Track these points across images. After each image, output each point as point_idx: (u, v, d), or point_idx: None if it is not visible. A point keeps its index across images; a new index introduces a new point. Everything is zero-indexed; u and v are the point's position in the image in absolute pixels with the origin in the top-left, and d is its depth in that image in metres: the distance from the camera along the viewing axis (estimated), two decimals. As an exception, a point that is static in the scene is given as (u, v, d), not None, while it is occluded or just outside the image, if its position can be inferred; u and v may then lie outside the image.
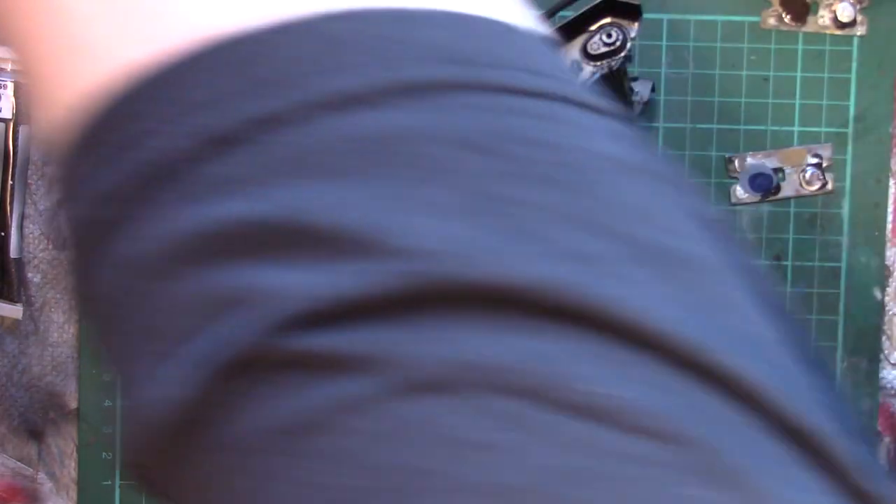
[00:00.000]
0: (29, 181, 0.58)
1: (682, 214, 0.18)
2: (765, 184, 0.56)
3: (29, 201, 0.58)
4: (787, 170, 0.57)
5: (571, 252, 0.16)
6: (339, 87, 0.17)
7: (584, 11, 0.47)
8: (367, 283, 0.16)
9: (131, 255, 0.17)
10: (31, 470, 0.59)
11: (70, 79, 0.18)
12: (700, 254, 0.18)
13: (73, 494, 0.59)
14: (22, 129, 0.57)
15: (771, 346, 0.17)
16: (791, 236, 0.57)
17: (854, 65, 0.57)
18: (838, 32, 0.57)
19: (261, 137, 0.16)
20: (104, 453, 0.58)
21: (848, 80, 0.57)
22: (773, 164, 0.57)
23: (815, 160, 0.57)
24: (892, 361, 0.57)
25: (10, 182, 0.57)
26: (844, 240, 0.57)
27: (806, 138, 0.57)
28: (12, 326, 0.58)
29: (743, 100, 0.57)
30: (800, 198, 0.57)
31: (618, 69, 0.47)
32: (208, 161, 0.16)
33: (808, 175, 0.57)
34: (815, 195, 0.57)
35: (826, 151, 0.57)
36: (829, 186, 0.57)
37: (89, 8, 0.17)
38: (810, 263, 0.57)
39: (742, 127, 0.57)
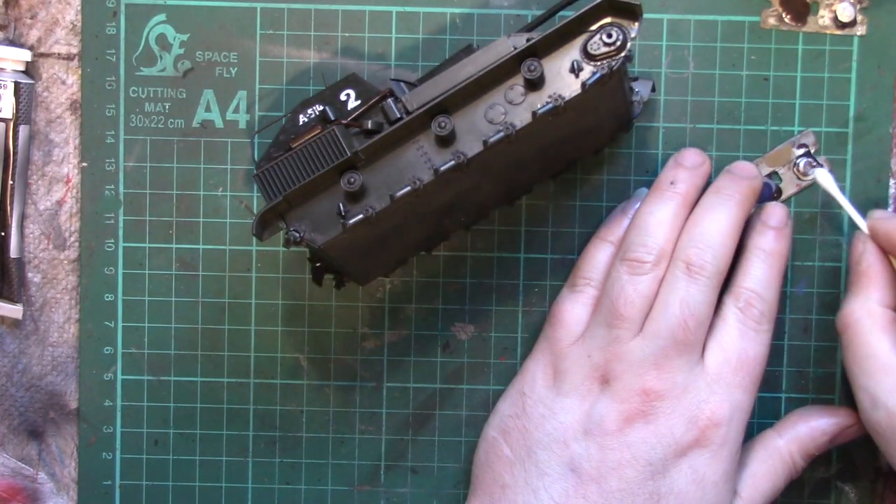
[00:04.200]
0: (29, 181, 0.58)
1: None
2: (766, 194, 0.56)
3: (29, 201, 0.58)
4: (780, 170, 0.57)
5: None
6: None
7: (584, 11, 0.47)
8: None
9: None
10: (31, 470, 0.59)
11: None
12: None
13: (73, 494, 0.59)
14: (22, 129, 0.57)
15: None
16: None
17: (854, 65, 0.57)
18: (838, 32, 0.57)
19: None
20: (104, 453, 0.59)
21: (848, 80, 0.57)
22: (765, 171, 0.56)
23: (801, 150, 0.57)
24: (892, 361, 0.57)
25: (10, 182, 0.57)
26: (844, 240, 0.57)
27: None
28: (12, 326, 0.58)
29: (743, 100, 0.57)
30: (801, 195, 0.57)
31: (618, 69, 0.47)
32: None
33: (801, 166, 0.56)
34: (815, 184, 0.57)
35: (808, 138, 0.56)
36: (826, 166, 0.56)
37: None
38: (810, 263, 0.57)
39: (742, 127, 0.57)
